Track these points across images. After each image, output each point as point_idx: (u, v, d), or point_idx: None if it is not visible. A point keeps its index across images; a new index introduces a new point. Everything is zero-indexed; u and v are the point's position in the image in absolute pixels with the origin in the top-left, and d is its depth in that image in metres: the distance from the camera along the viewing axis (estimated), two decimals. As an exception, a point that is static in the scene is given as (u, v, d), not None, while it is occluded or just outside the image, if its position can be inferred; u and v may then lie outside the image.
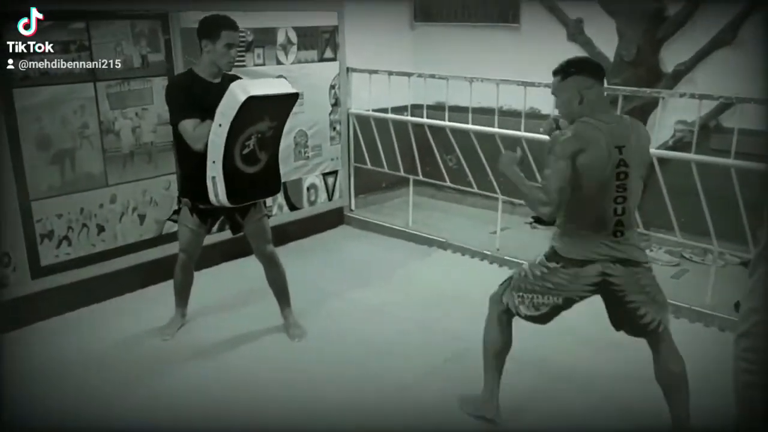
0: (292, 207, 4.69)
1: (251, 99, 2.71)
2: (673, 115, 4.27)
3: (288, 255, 4.15)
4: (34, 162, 3.32)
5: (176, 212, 3.24)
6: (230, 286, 3.96)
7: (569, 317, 3.65)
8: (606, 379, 3.01)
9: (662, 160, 3.77)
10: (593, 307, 3.86)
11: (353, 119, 4.96)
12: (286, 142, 4.49)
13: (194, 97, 2.89)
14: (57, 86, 3.34)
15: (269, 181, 3.08)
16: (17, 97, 3.21)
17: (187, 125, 2.88)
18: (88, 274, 3.62)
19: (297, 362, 3.17)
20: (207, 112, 2.81)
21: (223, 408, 2.79)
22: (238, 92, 2.71)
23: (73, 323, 3.52)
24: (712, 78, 4.09)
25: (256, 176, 2.95)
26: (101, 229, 3.64)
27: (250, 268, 4.22)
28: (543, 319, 2.51)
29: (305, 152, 4.69)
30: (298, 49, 4.48)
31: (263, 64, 4.28)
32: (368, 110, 4.88)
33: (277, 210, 4.56)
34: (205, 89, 2.93)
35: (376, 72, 4.77)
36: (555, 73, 2.37)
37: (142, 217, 3.80)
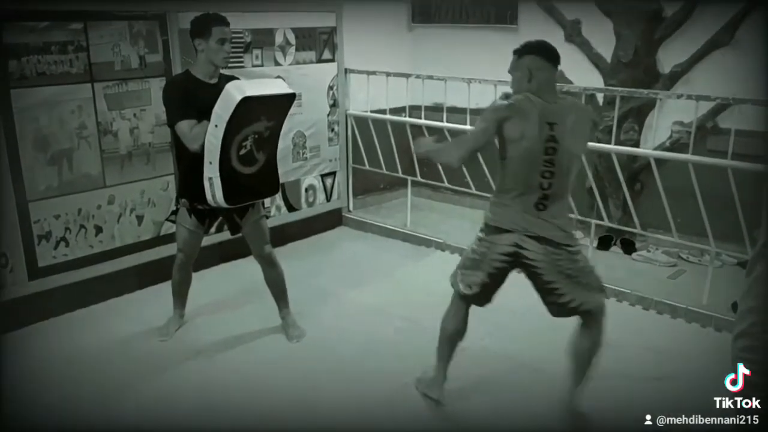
0: (291, 208, 4.69)
1: (247, 99, 2.71)
2: (670, 116, 4.28)
3: (286, 256, 4.15)
4: (32, 163, 3.32)
5: (174, 213, 3.24)
6: (228, 287, 3.96)
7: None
8: (604, 379, 3.01)
9: (659, 161, 3.77)
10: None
11: (351, 120, 4.96)
12: (284, 143, 4.50)
13: (191, 98, 2.89)
14: (54, 87, 3.34)
15: (267, 181, 3.07)
16: (14, 97, 3.21)
17: (184, 126, 2.88)
18: (85, 275, 3.61)
19: (295, 362, 3.17)
20: (204, 113, 2.80)
21: (222, 408, 2.79)
22: (234, 92, 2.71)
23: (71, 324, 3.51)
24: (709, 79, 4.10)
25: (253, 177, 2.95)
26: (99, 230, 3.63)
27: (249, 268, 4.22)
28: (478, 299, 2.57)
29: (303, 153, 4.69)
30: (297, 50, 4.48)
31: (261, 65, 4.28)
32: (366, 111, 4.88)
33: (275, 211, 4.56)
34: (201, 90, 2.93)
35: (374, 73, 4.78)
36: (513, 52, 2.47)
37: (140, 218, 3.79)
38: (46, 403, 2.81)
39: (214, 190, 2.85)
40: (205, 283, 3.91)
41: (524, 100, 2.38)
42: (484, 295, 2.57)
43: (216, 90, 2.79)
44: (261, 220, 3.24)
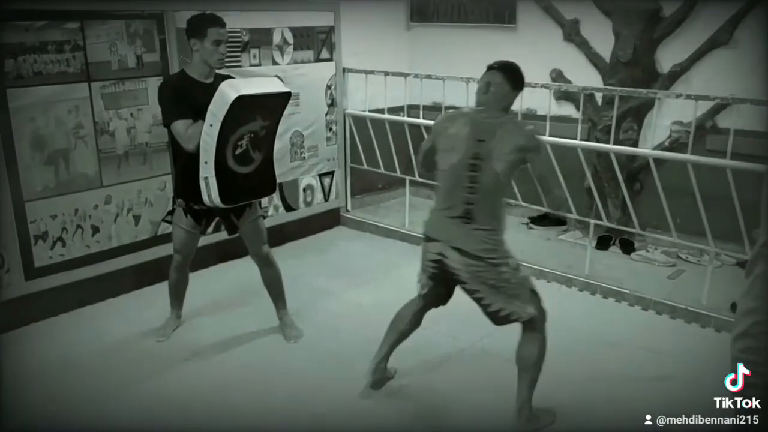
0: (289, 208, 4.68)
1: (241, 98, 2.70)
2: (669, 115, 4.27)
3: (284, 255, 4.14)
4: (28, 162, 3.31)
5: (171, 213, 3.23)
6: (226, 287, 3.95)
7: (565, 317, 3.65)
8: (603, 379, 3.00)
9: (658, 161, 3.76)
10: (591, 308, 3.87)
11: (349, 120, 4.95)
12: (282, 143, 4.50)
13: (186, 98, 2.88)
14: (51, 86, 3.32)
15: (264, 181, 3.06)
16: (11, 97, 3.19)
17: (179, 126, 2.87)
18: (82, 276, 3.60)
19: (293, 363, 3.16)
20: (199, 113, 2.79)
21: (220, 409, 2.78)
22: (228, 91, 2.70)
23: (68, 325, 3.50)
24: (708, 78, 4.10)
25: (249, 176, 2.93)
26: (96, 230, 3.62)
27: (246, 268, 4.21)
28: (427, 298, 2.68)
29: (301, 153, 4.68)
30: (294, 49, 4.47)
31: (259, 65, 4.26)
32: (364, 111, 4.87)
33: (273, 211, 4.55)
34: (197, 89, 2.92)
35: (372, 72, 4.76)
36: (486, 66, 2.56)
37: (137, 218, 3.78)
38: (43, 404, 2.79)
39: (210, 190, 2.84)
40: (203, 283, 3.90)
41: (460, 115, 2.54)
42: (433, 295, 2.66)
43: (211, 89, 2.78)
44: (258, 219, 3.23)
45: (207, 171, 2.81)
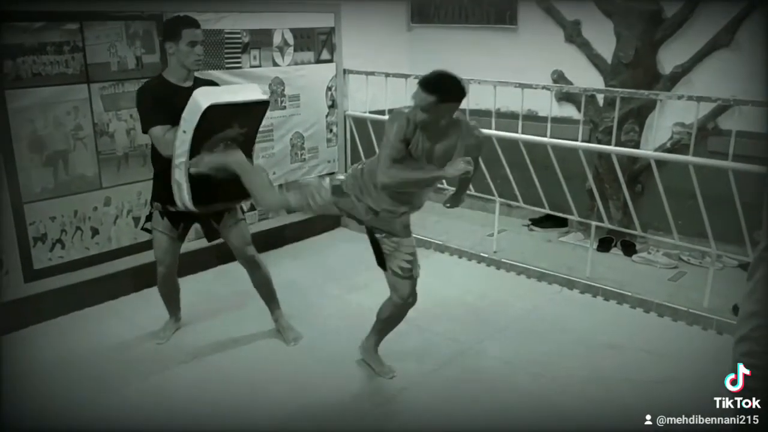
0: (289, 210, 4.67)
1: (213, 107, 2.68)
2: (671, 117, 4.26)
3: (285, 258, 4.14)
4: (27, 164, 3.30)
5: (148, 219, 3.20)
6: (225, 289, 3.93)
7: (566, 319, 3.64)
8: (605, 381, 2.99)
9: (660, 162, 3.75)
10: (592, 310, 3.85)
11: (350, 121, 4.94)
12: (282, 144, 4.50)
13: (164, 103, 2.86)
14: (50, 87, 3.31)
15: (240, 186, 2.98)
16: (9, 98, 3.19)
17: (157, 132, 2.86)
18: (81, 278, 3.59)
19: (293, 364, 3.15)
20: (178, 117, 2.78)
21: (219, 411, 2.77)
22: (200, 100, 2.70)
23: (67, 327, 3.49)
24: (710, 80, 4.08)
25: (225, 182, 2.88)
26: (95, 231, 3.61)
27: (245, 272, 4.21)
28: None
29: (302, 154, 4.67)
30: (295, 50, 4.46)
31: (259, 66, 4.26)
32: (365, 112, 4.85)
33: (273, 212, 4.54)
34: (175, 94, 2.87)
35: (372, 74, 4.75)
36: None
37: (136, 220, 3.77)
38: (42, 406, 2.79)
39: (182, 194, 2.84)
40: (203, 285, 3.89)
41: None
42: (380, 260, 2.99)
43: (189, 94, 2.76)
44: (240, 222, 3.20)
45: (179, 175, 2.81)
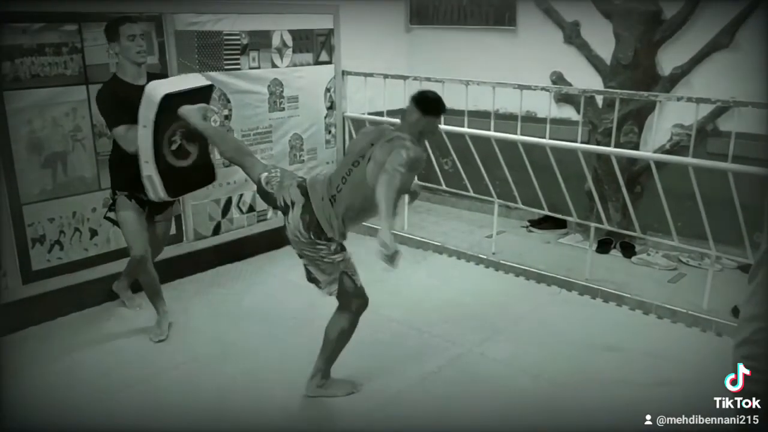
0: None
1: (168, 96, 2.85)
2: (670, 118, 4.26)
3: (282, 259, 4.13)
4: (26, 165, 3.29)
5: (110, 209, 3.24)
6: (223, 291, 3.92)
7: (565, 321, 3.63)
8: (604, 384, 2.98)
9: (659, 164, 3.75)
10: (591, 312, 3.85)
11: (348, 122, 4.93)
12: (281, 146, 4.50)
13: (121, 103, 2.98)
14: (48, 89, 3.31)
15: (203, 171, 3.24)
16: (8, 99, 3.18)
17: (120, 131, 3.00)
18: (80, 279, 3.58)
19: (291, 366, 3.13)
20: (136, 115, 2.91)
21: (218, 411, 2.77)
22: (153, 92, 2.87)
23: (66, 328, 3.48)
24: (709, 81, 4.08)
25: (189, 168, 3.11)
26: (94, 233, 3.60)
27: (242, 272, 4.20)
28: None
29: (300, 156, 4.66)
30: (294, 52, 4.46)
31: (258, 67, 4.25)
32: (364, 113, 4.85)
33: (271, 214, 4.52)
34: (131, 93, 2.99)
35: (371, 75, 4.75)
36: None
37: (135, 221, 3.76)
38: (41, 407, 2.78)
39: (155, 187, 3.00)
40: (200, 286, 3.88)
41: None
42: None
43: (143, 90, 2.91)
44: (169, 223, 3.49)
45: (149, 169, 2.97)
